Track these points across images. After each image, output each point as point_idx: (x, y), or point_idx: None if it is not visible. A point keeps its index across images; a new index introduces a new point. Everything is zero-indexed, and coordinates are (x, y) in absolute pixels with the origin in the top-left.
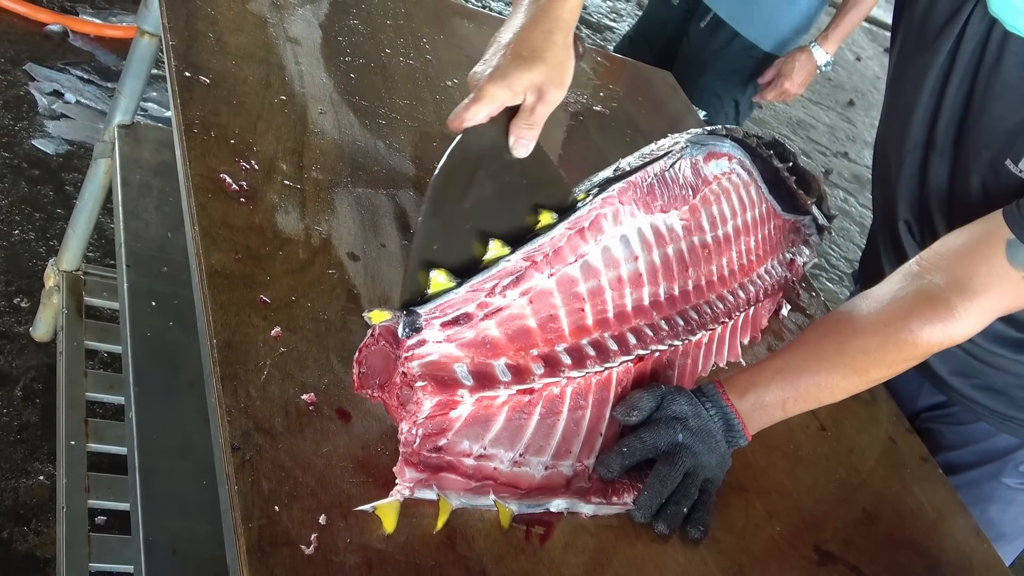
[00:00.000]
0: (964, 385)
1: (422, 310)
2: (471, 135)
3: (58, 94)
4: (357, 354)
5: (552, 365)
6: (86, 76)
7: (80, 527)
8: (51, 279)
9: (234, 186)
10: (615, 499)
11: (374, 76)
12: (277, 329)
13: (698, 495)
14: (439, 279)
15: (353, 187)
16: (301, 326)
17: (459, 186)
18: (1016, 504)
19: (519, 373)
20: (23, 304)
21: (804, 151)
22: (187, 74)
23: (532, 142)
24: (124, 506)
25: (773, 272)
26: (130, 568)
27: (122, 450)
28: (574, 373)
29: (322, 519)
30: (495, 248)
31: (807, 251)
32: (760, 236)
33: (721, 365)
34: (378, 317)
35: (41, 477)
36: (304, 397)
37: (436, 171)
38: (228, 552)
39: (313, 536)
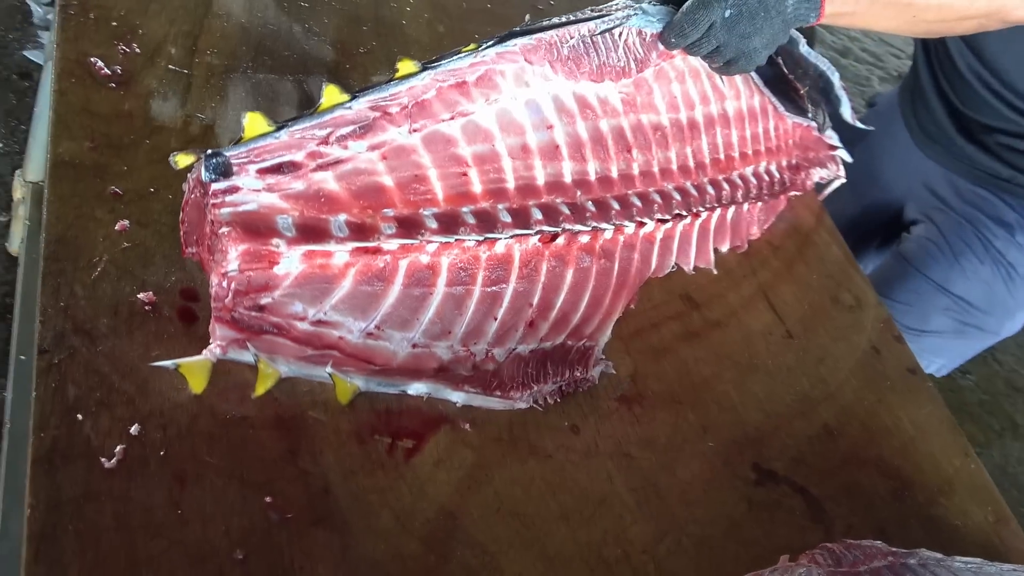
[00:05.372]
0: None
1: (229, 152)
2: None
3: (54, 3)
4: (181, 213)
5: (408, 227)
6: None
7: None
8: (18, 190)
9: (105, 70)
10: (498, 393)
11: None
12: (124, 222)
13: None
14: (255, 122)
15: (254, 73)
16: (156, 219)
17: None
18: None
19: (362, 231)
20: (3, 219)
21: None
22: None
23: None
24: None
25: (767, 177)
26: None
27: None
28: (439, 238)
29: (134, 429)
30: (330, 94)
31: (831, 167)
32: (750, 132)
33: (686, 269)
34: (183, 161)
35: None
36: (141, 296)
37: None
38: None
39: (119, 448)
